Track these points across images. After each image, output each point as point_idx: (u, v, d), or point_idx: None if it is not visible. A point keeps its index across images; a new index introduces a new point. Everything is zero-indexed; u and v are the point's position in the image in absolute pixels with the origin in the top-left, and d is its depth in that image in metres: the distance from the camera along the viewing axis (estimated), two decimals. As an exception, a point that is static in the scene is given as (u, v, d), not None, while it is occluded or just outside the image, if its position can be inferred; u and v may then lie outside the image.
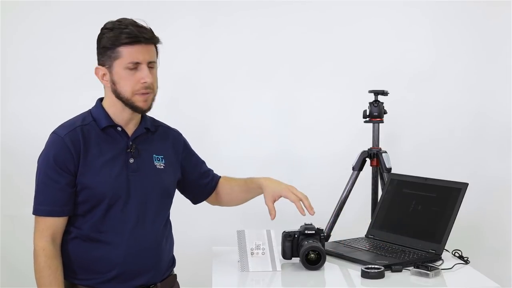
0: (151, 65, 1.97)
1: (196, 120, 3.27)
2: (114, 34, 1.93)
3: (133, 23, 1.96)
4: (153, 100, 2.00)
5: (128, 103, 1.97)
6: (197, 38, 3.33)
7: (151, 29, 1.99)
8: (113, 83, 1.96)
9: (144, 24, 1.98)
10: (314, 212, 2.07)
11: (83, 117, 2.03)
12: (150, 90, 1.96)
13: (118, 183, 1.97)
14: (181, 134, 2.21)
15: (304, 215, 2.06)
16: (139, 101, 1.96)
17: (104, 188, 1.95)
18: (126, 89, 1.95)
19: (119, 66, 1.94)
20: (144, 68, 1.94)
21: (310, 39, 3.35)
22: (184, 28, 3.31)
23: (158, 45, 2.02)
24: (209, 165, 2.30)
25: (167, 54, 3.20)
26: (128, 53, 1.93)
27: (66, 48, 3.18)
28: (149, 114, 2.17)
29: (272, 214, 2.09)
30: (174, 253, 2.19)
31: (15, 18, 3.22)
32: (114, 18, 2.01)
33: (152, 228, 2.01)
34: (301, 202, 2.08)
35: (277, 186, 2.14)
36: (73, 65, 3.19)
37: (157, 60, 2.03)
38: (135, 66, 1.93)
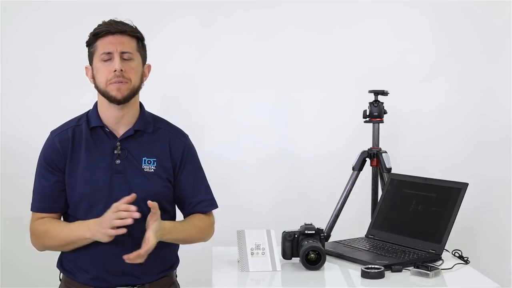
0: (127, 56, 1.99)
1: (196, 120, 3.26)
2: (92, 31, 2.01)
3: (112, 20, 2.01)
4: (130, 91, 2.00)
5: (105, 95, 2.00)
6: (197, 37, 3.33)
7: (132, 26, 2.03)
8: (93, 77, 2.02)
9: (129, 22, 2.03)
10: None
11: (80, 117, 2.10)
12: (124, 80, 1.97)
13: (98, 185, 2.00)
14: (182, 140, 2.13)
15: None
16: (112, 90, 1.98)
17: (83, 189, 2.00)
18: (101, 80, 1.99)
19: (96, 60, 2.00)
20: (115, 57, 1.97)
21: (310, 39, 3.35)
22: (184, 27, 3.31)
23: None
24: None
25: (167, 53, 3.24)
26: (101, 44, 1.99)
27: (66, 48, 3.18)
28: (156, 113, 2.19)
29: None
30: (174, 253, 2.20)
31: (15, 18, 3.22)
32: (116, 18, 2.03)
33: (136, 231, 1.93)
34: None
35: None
36: (73, 65, 3.17)
37: (140, 54, 2.04)
38: (108, 56, 1.97)
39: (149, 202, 1.91)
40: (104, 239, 1.92)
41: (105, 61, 1.98)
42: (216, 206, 2.17)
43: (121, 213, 1.89)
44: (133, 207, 1.90)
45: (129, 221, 1.89)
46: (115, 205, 1.91)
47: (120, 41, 1.98)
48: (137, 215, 1.89)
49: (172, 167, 2.09)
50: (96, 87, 2.03)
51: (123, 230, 1.90)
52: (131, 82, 1.99)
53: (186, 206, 2.14)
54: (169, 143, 2.10)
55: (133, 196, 1.92)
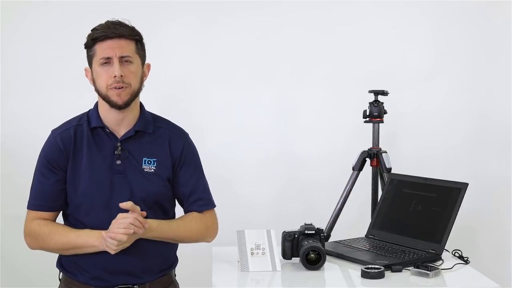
0: (126, 59, 1.98)
1: (196, 120, 3.26)
2: (90, 34, 1.99)
3: (110, 22, 1.99)
4: (131, 95, 2.00)
5: (106, 99, 2.00)
6: (197, 37, 3.33)
7: (130, 27, 2.01)
8: (93, 81, 2.02)
9: (127, 23, 2.01)
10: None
11: (80, 116, 2.09)
12: (124, 85, 1.97)
13: (99, 185, 2.00)
14: (182, 139, 2.13)
15: None
16: (113, 95, 1.98)
17: (84, 189, 2.00)
18: (101, 85, 1.99)
19: (96, 64, 1.99)
20: (115, 62, 1.96)
21: (310, 39, 3.35)
22: (184, 27, 3.31)
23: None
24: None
25: (167, 53, 3.24)
26: (100, 49, 1.97)
27: (66, 48, 3.18)
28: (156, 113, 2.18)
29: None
30: (174, 253, 2.19)
31: (15, 18, 3.22)
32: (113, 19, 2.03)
33: None
34: None
35: None
36: (73, 65, 3.16)
37: (139, 56, 2.03)
38: (107, 61, 1.97)
39: (121, 204, 1.91)
40: (109, 248, 1.93)
41: (105, 65, 1.97)
42: (212, 206, 2.16)
43: (130, 225, 1.90)
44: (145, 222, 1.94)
45: (131, 231, 1.90)
46: (124, 215, 1.92)
47: (119, 45, 1.96)
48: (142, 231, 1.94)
49: (172, 165, 2.10)
50: (97, 90, 2.02)
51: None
52: (131, 87, 1.99)
53: (183, 204, 2.14)
54: (169, 141, 2.10)
55: (128, 204, 1.92)
